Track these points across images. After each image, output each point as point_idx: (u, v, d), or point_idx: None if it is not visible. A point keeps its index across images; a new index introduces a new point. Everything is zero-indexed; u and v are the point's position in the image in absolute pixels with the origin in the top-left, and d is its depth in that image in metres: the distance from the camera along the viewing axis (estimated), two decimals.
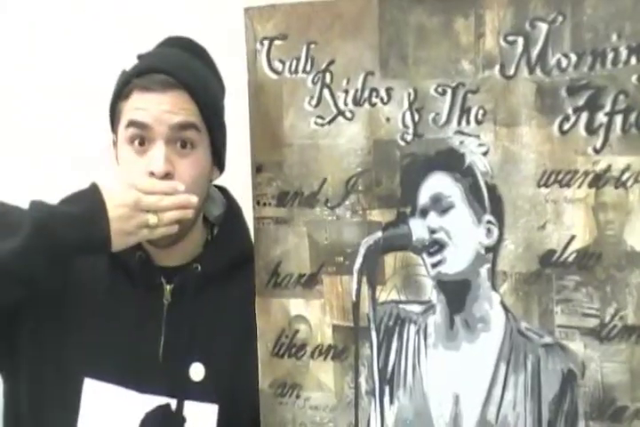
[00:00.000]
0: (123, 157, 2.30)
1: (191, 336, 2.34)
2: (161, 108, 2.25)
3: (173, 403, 2.31)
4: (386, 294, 2.22)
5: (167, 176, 2.23)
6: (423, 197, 2.17)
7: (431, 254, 2.17)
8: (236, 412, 2.33)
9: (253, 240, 2.36)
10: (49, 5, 3.77)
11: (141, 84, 2.27)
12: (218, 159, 2.40)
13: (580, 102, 2.03)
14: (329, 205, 2.25)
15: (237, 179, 2.43)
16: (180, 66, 2.33)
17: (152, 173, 2.23)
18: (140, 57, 2.39)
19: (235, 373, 2.34)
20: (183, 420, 2.31)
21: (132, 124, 2.26)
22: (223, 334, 2.36)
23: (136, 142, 2.26)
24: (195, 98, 2.29)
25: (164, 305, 2.35)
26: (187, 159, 2.26)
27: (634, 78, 1.97)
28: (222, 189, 2.52)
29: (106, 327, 2.32)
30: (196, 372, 2.32)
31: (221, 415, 2.32)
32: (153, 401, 2.30)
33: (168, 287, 2.36)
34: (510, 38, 2.08)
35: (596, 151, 2.02)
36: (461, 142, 2.13)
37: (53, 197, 2.47)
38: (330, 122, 2.25)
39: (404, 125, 2.17)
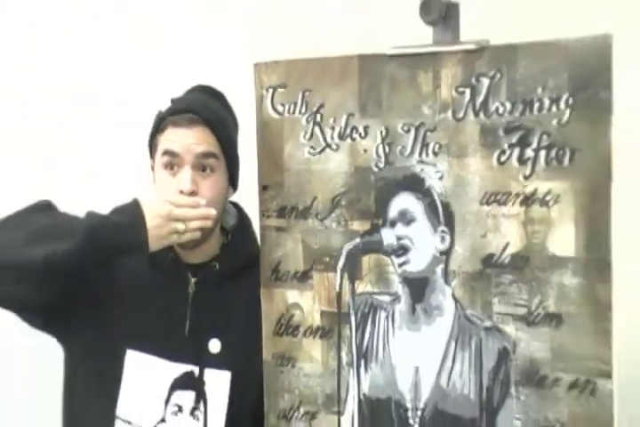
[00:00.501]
0: (159, 179, 2.42)
1: (210, 318, 2.46)
2: (188, 140, 2.37)
3: (196, 370, 2.43)
4: (362, 287, 2.33)
5: (192, 193, 2.35)
6: (392, 212, 2.28)
7: (398, 256, 2.28)
8: (245, 378, 2.45)
9: (260, 245, 2.48)
10: (49, 5, 3.48)
11: (173, 120, 2.40)
12: (232, 181, 2.50)
13: (514, 140, 2.11)
14: (319, 217, 2.37)
15: (248, 196, 2.52)
16: (203, 107, 2.43)
17: (181, 191, 2.35)
18: (172, 100, 2.50)
19: (245, 347, 2.45)
20: (203, 383, 2.43)
21: (166, 152, 2.39)
22: (236, 317, 2.48)
23: (169, 167, 2.39)
24: (214, 132, 2.40)
25: (189, 294, 2.47)
26: (208, 180, 2.39)
27: (554, 122, 2.05)
28: (235, 205, 2.63)
29: (144, 311, 2.45)
30: (214, 346, 2.44)
31: (233, 380, 2.44)
32: (180, 369, 2.43)
33: (193, 280, 2.48)
34: (460, 89, 2.17)
35: (526, 178, 2.10)
36: (422, 169, 2.23)
37: (53, 197, 2.56)
38: (320, 152, 2.36)
39: (378, 156, 2.28)
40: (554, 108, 2.07)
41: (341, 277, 2.33)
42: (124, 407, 2.43)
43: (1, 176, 3.48)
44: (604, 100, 2.00)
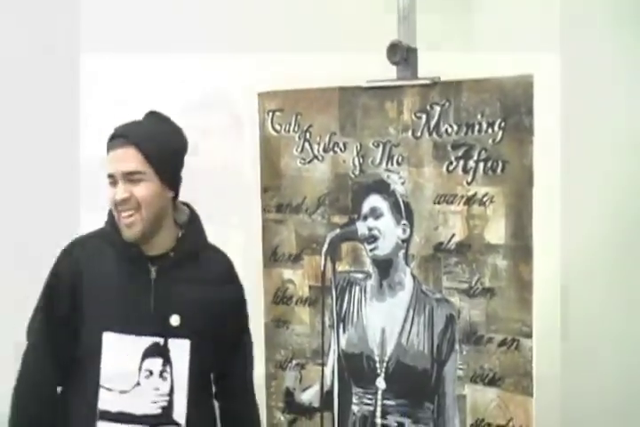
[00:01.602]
0: (108, 190, 2.38)
1: (170, 298, 2.39)
2: (118, 160, 2.34)
3: (161, 341, 2.38)
4: (342, 266, 2.44)
5: (125, 200, 2.31)
6: (365, 209, 2.39)
7: (369, 243, 2.38)
8: (202, 344, 2.40)
9: (262, 234, 2.53)
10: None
11: (110, 145, 2.37)
12: (168, 185, 2.39)
13: (459, 154, 2.24)
14: (308, 212, 2.47)
15: (253, 196, 2.56)
16: (132, 131, 2.38)
17: (116, 199, 2.33)
18: (114, 128, 2.43)
19: (201, 319, 2.39)
20: (168, 351, 2.39)
21: (107, 176, 2.35)
22: (193, 295, 2.41)
23: (111, 185, 2.34)
24: (141, 151, 2.33)
25: (152, 280, 2.39)
26: (138, 186, 2.31)
27: (490, 141, 2.19)
28: (187, 205, 2.53)
29: (117, 297, 2.40)
30: (175, 320, 2.38)
31: (192, 347, 2.40)
32: (149, 341, 2.38)
33: (153, 269, 2.39)
34: (418, 114, 2.29)
35: (468, 184, 2.24)
36: (388, 176, 2.34)
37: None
38: (309, 162, 2.46)
39: (354, 165, 2.39)
40: (490, 130, 2.21)
41: (325, 259, 2.42)
42: (105, 378, 2.39)
43: None
44: (528, 124, 2.15)
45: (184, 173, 2.41)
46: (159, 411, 2.39)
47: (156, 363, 2.39)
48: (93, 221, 2.46)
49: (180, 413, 2.41)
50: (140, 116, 2.42)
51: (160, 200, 2.38)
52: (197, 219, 2.52)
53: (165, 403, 2.40)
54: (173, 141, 2.44)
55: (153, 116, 2.44)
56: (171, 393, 2.41)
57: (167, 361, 2.39)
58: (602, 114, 2.92)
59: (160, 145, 2.37)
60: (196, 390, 2.43)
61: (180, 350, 2.40)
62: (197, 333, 2.40)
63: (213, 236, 2.49)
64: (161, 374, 2.39)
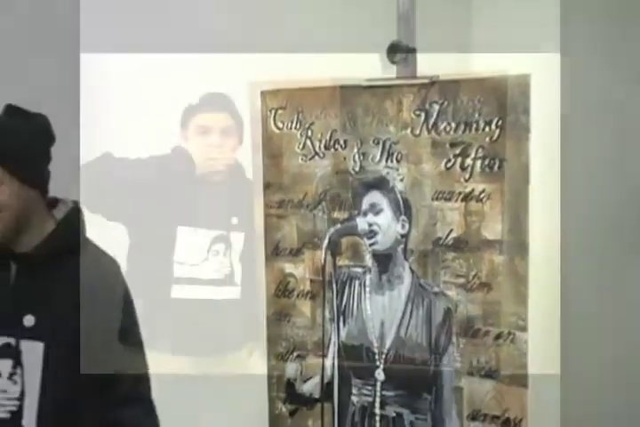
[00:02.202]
0: None
1: (27, 298, 2.26)
2: None
3: (13, 341, 2.24)
4: (342, 261, 2.45)
5: None
6: (365, 205, 2.41)
7: (369, 238, 2.40)
8: (58, 348, 2.25)
9: (264, 229, 2.52)
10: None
11: None
12: (31, 184, 2.25)
13: (457, 151, 2.26)
14: (309, 208, 2.48)
15: (254, 192, 2.53)
16: None
17: None
18: None
19: (58, 323, 2.25)
20: (20, 353, 2.24)
21: None
22: (52, 297, 2.27)
23: None
24: None
25: (11, 278, 2.26)
26: None
27: (487, 139, 2.21)
28: (75, 202, 2.38)
29: None
30: (28, 321, 2.24)
31: (47, 350, 2.25)
32: (1, 341, 2.23)
33: (14, 266, 2.27)
34: (417, 113, 2.31)
35: (466, 180, 2.26)
36: (388, 173, 2.36)
37: None
38: (310, 159, 2.46)
39: (354, 162, 2.40)
40: (487, 129, 2.23)
41: (326, 254, 2.44)
42: None
43: None
44: (524, 123, 2.17)
45: (185, 175, 2.37)
46: (7, 416, 2.23)
47: (5, 364, 2.24)
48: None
49: (30, 420, 2.24)
50: (139, 116, 2.41)
51: (21, 201, 2.24)
52: (74, 216, 2.37)
53: (15, 408, 2.24)
54: (30, 138, 2.28)
55: (7, 111, 2.29)
56: (21, 398, 2.24)
57: (18, 363, 2.25)
58: (600, 113, 2.93)
59: (13, 146, 2.23)
60: (54, 397, 2.27)
61: (34, 352, 2.25)
62: (54, 336, 2.25)
63: (216, 232, 2.47)
64: (10, 377, 2.24)
